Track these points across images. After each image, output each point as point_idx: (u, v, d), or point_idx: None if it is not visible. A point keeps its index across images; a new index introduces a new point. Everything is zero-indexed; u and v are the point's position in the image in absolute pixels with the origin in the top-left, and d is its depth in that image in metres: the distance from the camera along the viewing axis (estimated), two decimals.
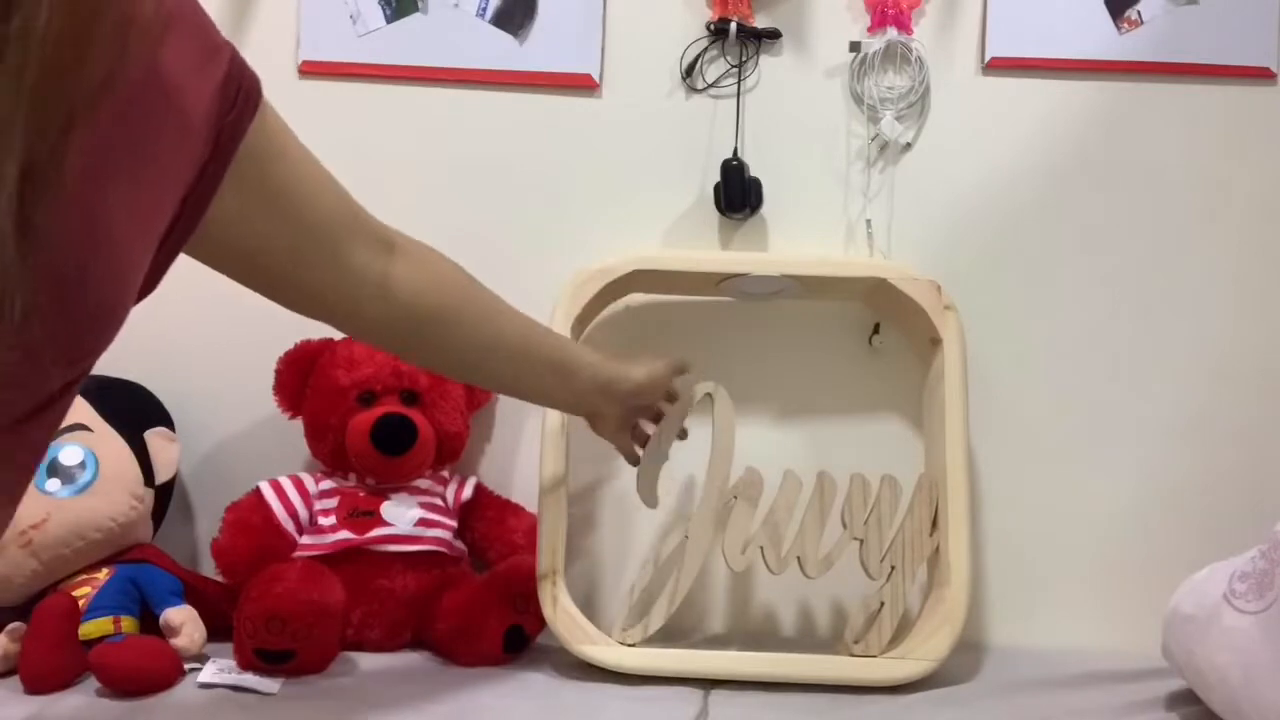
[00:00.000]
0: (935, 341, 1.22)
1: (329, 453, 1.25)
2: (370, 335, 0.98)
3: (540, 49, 1.32)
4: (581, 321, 1.24)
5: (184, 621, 1.10)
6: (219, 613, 1.15)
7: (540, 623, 1.16)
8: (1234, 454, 1.30)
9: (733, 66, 1.31)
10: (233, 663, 1.09)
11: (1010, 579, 1.31)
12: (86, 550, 1.13)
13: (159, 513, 1.24)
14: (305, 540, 1.21)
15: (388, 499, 1.23)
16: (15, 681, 1.04)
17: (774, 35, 1.31)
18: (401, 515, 1.22)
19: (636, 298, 1.31)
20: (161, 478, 1.23)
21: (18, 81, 0.48)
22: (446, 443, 1.26)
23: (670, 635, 1.16)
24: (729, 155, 1.29)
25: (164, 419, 1.27)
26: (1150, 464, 1.31)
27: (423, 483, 1.25)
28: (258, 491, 1.23)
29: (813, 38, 1.32)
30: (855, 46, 1.30)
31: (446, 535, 1.23)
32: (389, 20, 1.33)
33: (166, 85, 0.65)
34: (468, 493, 1.28)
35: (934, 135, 1.31)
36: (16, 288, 0.53)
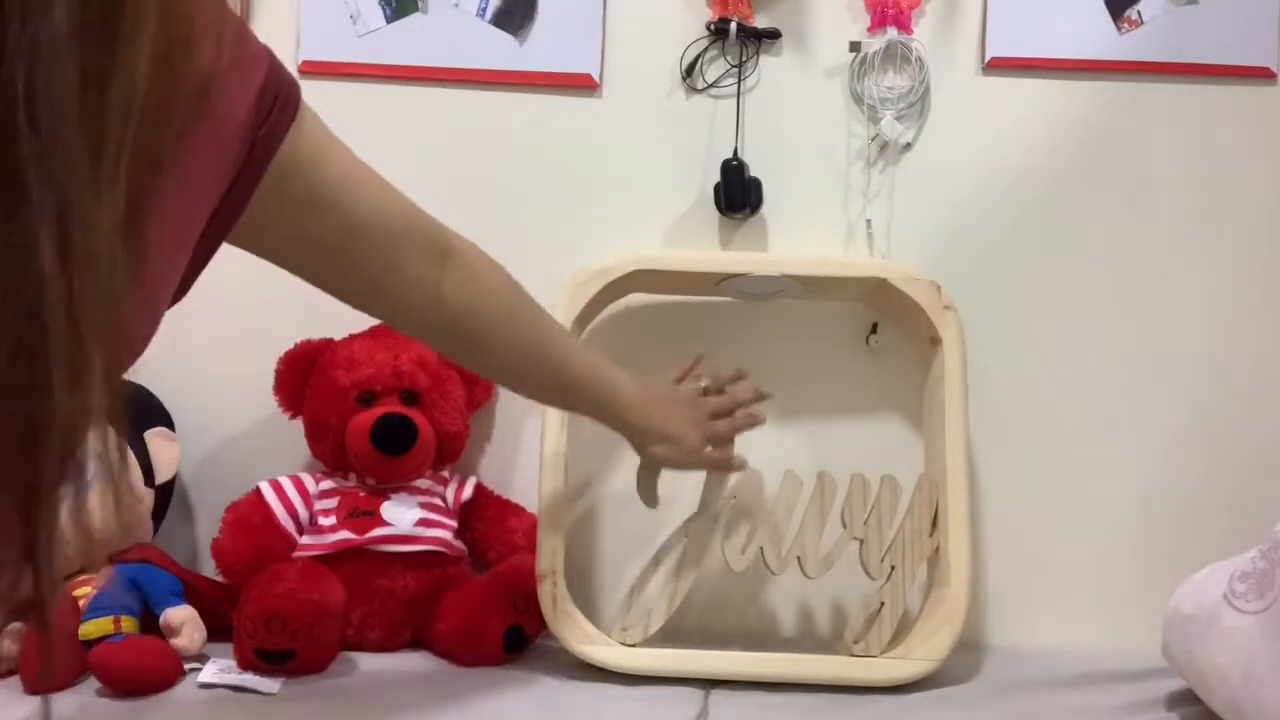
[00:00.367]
0: (935, 341, 1.22)
1: (329, 453, 1.25)
2: (417, 334, 1.00)
3: (540, 49, 1.32)
4: (581, 321, 1.24)
5: (184, 621, 1.10)
6: (219, 613, 1.15)
7: (540, 623, 1.16)
8: (1234, 454, 1.30)
9: (733, 66, 1.31)
10: (233, 663, 1.09)
11: (1010, 579, 1.31)
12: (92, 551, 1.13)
13: (159, 513, 1.24)
14: (305, 540, 1.21)
15: (388, 499, 1.23)
16: (15, 681, 1.04)
17: (774, 35, 1.31)
18: (401, 515, 1.21)
19: (636, 298, 1.31)
20: (161, 478, 1.23)
21: (119, 147, 0.48)
22: (446, 443, 1.26)
23: (670, 635, 1.16)
24: (729, 155, 1.29)
25: (164, 419, 1.27)
26: (1150, 464, 1.31)
27: (423, 483, 1.25)
28: (258, 491, 1.23)
29: (813, 38, 1.32)
30: (855, 46, 1.30)
31: (446, 535, 1.23)
32: (389, 20, 1.33)
33: (209, 98, 0.64)
34: (468, 493, 1.28)
35: (934, 135, 1.31)
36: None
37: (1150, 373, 1.31)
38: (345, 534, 1.20)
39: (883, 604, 1.14)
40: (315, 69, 1.33)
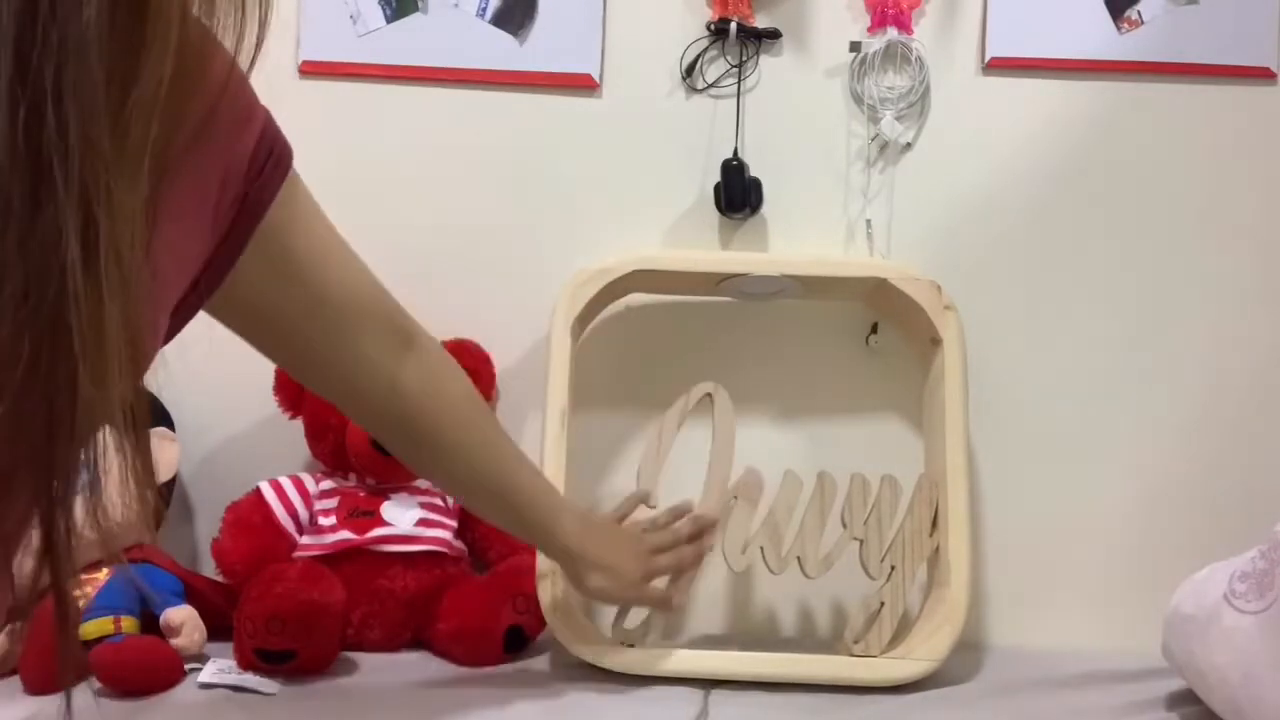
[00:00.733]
0: (935, 341, 1.22)
1: (329, 453, 1.25)
2: (368, 424, 0.97)
3: (540, 49, 1.32)
4: (582, 321, 1.24)
5: (184, 621, 1.10)
6: (219, 613, 1.15)
7: (540, 623, 1.16)
8: (1234, 454, 1.30)
9: (733, 66, 1.31)
10: (233, 663, 1.09)
11: (1010, 579, 1.31)
12: (86, 550, 1.13)
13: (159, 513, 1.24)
14: (305, 540, 1.21)
15: (388, 499, 1.23)
16: (15, 681, 1.04)
17: (774, 35, 1.31)
18: (402, 515, 1.22)
19: (636, 298, 1.31)
20: (161, 478, 1.23)
21: (141, 147, 0.49)
22: None
23: (670, 635, 1.16)
24: (729, 155, 1.29)
25: (164, 419, 1.26)
26: (1150, 464, 1.31)
27: (423, 483, 1.25)
28: (258, 491, 1.23)
29: (813, 38, 1.32)
30: (855, 46, 1.30)
31: (446, 535, 1.23)
32: (389, 20, 1.33)
33: (212, 134, 0.64)
34: None
35: (934, 135, 1.31)
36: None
37: (1150, 373, 1.31)
38: (345, 534, 1.20)
39: (883, 604, 1.14)
40: (315, 69, 1.33)
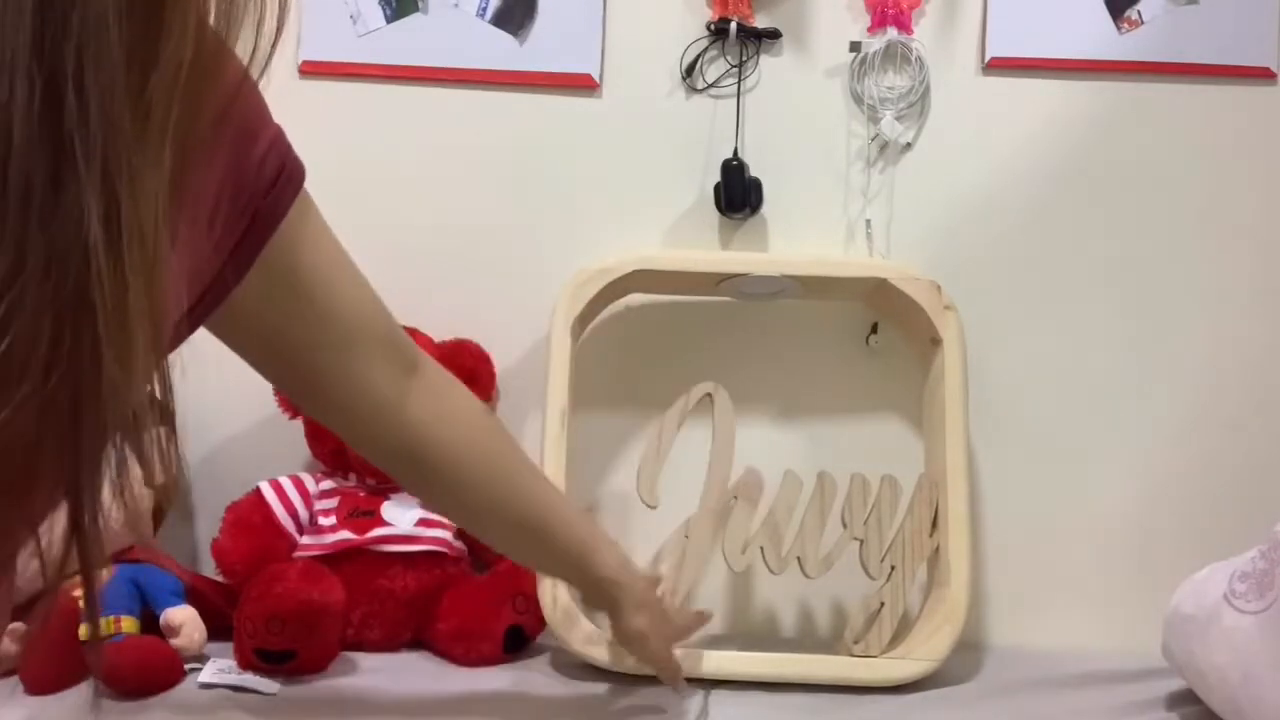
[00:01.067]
0: (935, 341, 1.22)
1: (329, 453, 1.25)
2: (376, 456, 0.91)
3: (540, 49, 1.32)
4: (582, 321, 1.24)
5: (184, 621, 1.10)
6: (219, 613, 1.15)
7: (540, 623, 1.16)
8: (1233, 454, 1.30)
9: (733, 66, 1.31)
10: (233, 663, 1.09)
11: (1010, 579, 1.31)
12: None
13: (159, 513, 1.24)
14: (305, 540, 1.21)
15: (388, 499, 1.23)
16: (15, 681, 1.04)
17: (774, 35, 1.31)
18: (401, 515, 1.22)
19: (636, 298, 1.31)
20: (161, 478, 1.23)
21: (163, 127, 0.49)
22: None
23: None
24: (729, 155, 1.29)
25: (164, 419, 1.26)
26: (1150, 464, 1.31)
27: None
28: (258, 491, 1.23)
29: (813, 38, 1.32)
30: (855, 46, 1.30)
31: (446, 535, 1.23)
32: (389, 20, 1.33)
33: (221, 143, 0.64)
34: None
35: (934, 135, 1.31)
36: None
37: (1150, 372, 1.31)
38: (345, 534, 1.20)
39: (883, 604, 1.14)
40: (315, 69, 1.33)
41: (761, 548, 1.15)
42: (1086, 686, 1.11)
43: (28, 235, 0.44)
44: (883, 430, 1.31)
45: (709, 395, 1.18)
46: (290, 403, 1.26)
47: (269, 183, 0.70)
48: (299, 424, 1.27)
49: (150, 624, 1.11)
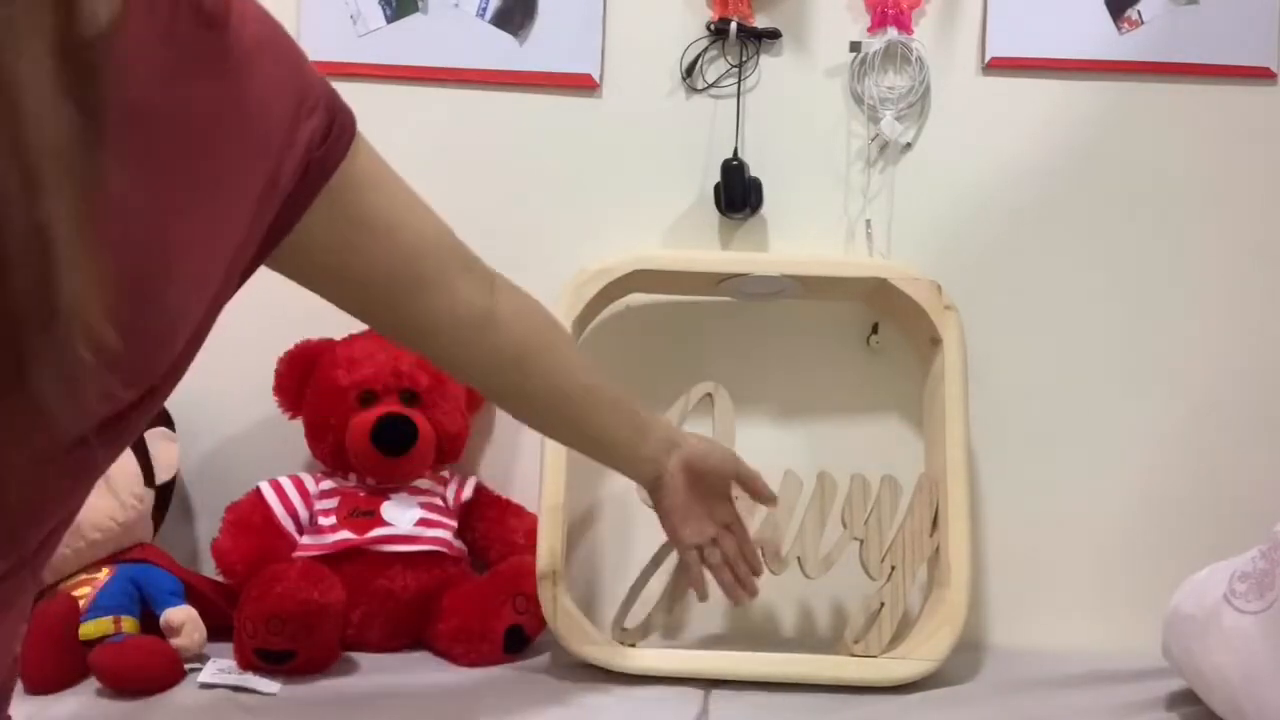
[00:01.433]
0: (935, 341, 1.22)
1: (329, 453, 1.25)
2: (470, 368, 0.95)
3: (540, 49, 1.32)
4: (582, 321, 1.24)
5: (184, 621, 1.10)
6: (219, 613, 1.15)
7: (540, 623, 1.16)
8: (1234, 454, 1.30)
9: (733, 66, 1.31)
10: (233, 663, 1.09)
11: (1010, 579, 1.31)
12: (87, 550, 1.13)
13: (159, 513, 1.24)
14: (305, 540, 1.21)
15: (388, 499, 1.23)
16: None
17: (774, 35, 1.31)
18: (401, 515, 1.22)
19: (636, 298, 1.31)
20: (161, 478, 1.23)
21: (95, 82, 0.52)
22: (447, 443, 1.26)
23: (670, 635, 1.16)
24: (729, 155, 1.29)
25: (164, 419, 1.26)
26: (1150, 464, 1.31)
27: (423, 483, 1.25)
28: (258, 491, 1.23)
29: (813, 38, 1.32)
30: (855, 46, 1.30)
31: (446, 535, 1.23)
32: (389, 20, 1.33)
33: (247, 110, 0.66)
34: (468, 493, 1.28)
35: (934, 135, 1.31)
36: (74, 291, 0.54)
37: (1150, 372, 1.31)
38: (345, 534, 1.20)
39: (883, 604, 1.14)
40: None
41: (762, 548, 1.15)
42: (1086, 686, 1.11)
43: None
44: (883, 430, 1.31)
45: (709, 395, 1.18)
46: (290, 402, 1.27)
47: (322, 137, 0.73)
48: (299, 424, 1.27)
49: (150, 624, 1.11)
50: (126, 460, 1.18)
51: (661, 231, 1.32)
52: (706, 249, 1.32)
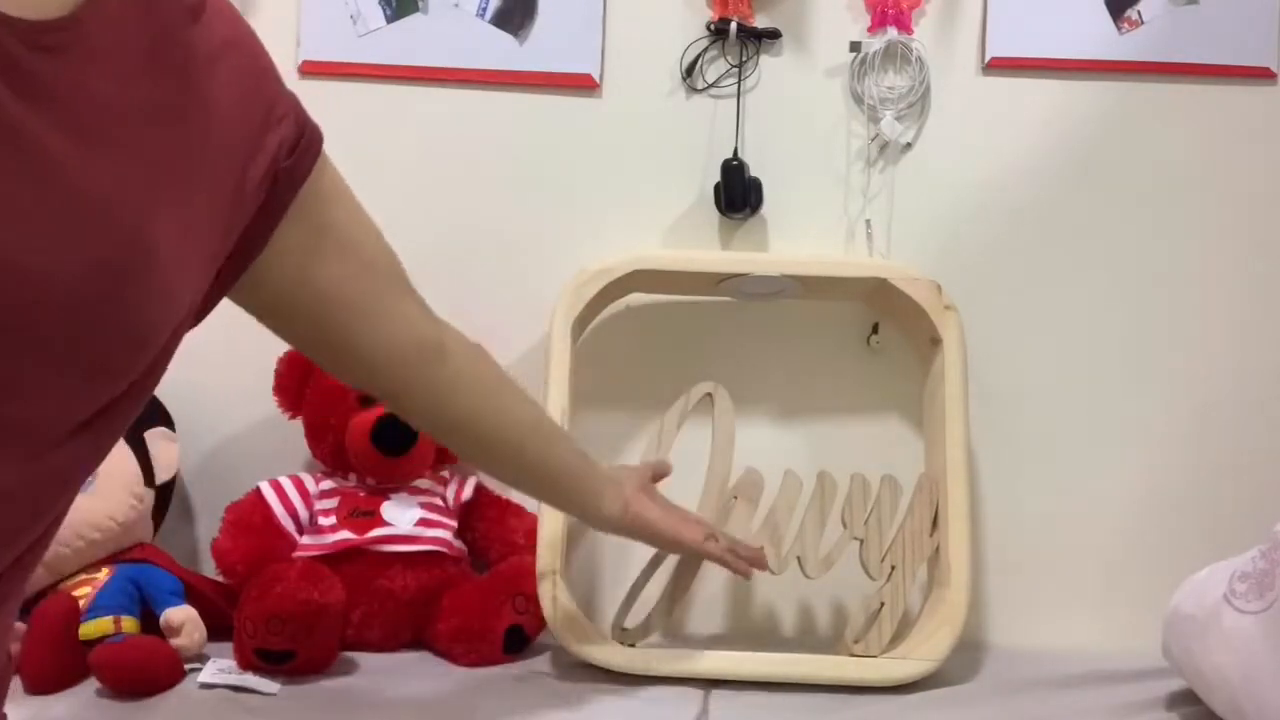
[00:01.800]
0: (935, 341, 1.22)
1: (329, 453, 1.25)
2: (423, 401, 0.92)
3: (540, 49, 1.32)
4: (581, 321, 1.24)
5: (184, 621, 1.10)
6: (219, 613, 1.15)
7: (540, 623, 1.16)
8: (1234, 454, 1.30)
9: (733, 66, 1.31)
10: (233, 663, 1.09)
11: (1010, 579, 1.31)
12: (87, 550, 1.13)
13: (159, 513, 1.24)
14: (305, 540, 1.21)
15: (388, 499, 1.23)
16: (15, 681, 1.04)
17: (774, 35, 1.31)
18: (401, 515, 1.22)
19: (636, 298, 1.31)
20: (161, 478, 1.23)
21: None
22: None
23: (670, 635, 1.16)
24: (729, 155, 1.29)
25: (164, 419, 1.26)
26: (1150, 464, 1.31)
27: (423, 483, 1.25)
28: (258, 491, 1.23)
29: (813, 38, 1.32)
30: (855, 46, 1.30)
31: (446, 535, 1.23)
32: (389, 20, 1.33)
33: (216, 114, 0.66)
34: (468, 493, 1.28)
35: (934, 135, 1.31)
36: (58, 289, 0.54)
37: (1150, 372, 1.31)
38: (345, 534, 1.20)
39: (883, 604, 1.14)
40: (315, 69, 1.32)
41: (762, 548, 1.15)
42: (1086, 686, 1.11)
43: None
44: (883, 430, 1.31)
45: (709, 395, 1.18)
46: (290, 402, 1.26)
47: (290, 149, 0.72)
48: (299, 424, 1.27)
49: (150, 624, 1.11)
50: (126, 460, 1.18)
51: (661, 231, 1.32)
52: (706, 249, 1.32)
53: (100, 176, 0.58)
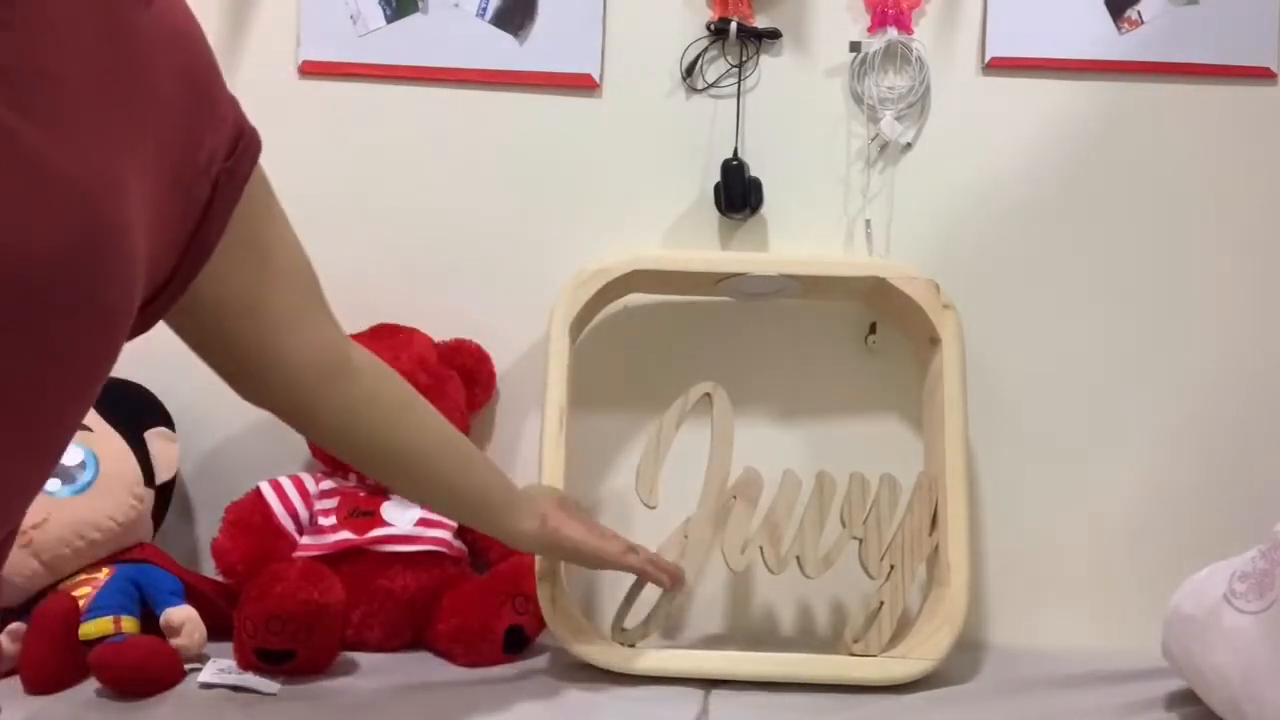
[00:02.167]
0: (934, 341, 1.22)
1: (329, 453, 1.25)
2: (332, 419, 0.91)
3: (540, 49, 1.32)
4: (581, 321, 1.24)
5: (184, 621, 1.10)
6: (219, 613, 1.15)
7: (540, 623, 1.16)
8: (1234, 454, 1.30)
9: (733, 66, 1.31)
10: (233, 663, 1.09)
11: (1010, 579, 1.31)
12: (87, 550, 1.13)
13: (159, 513, 1.24)
14: (305, 540, 1.21)
15: (388, 499, 1.23)
16: (15, 681, 1.04)
17: (774, 35, 1.31)
18: (401, 515, 1.22)
19: (636, 298, 1.31)
20: (161, 478, 1.23)
21: None
22: None
23: (670, 635, 1.16)
24: (729, 155, 1.29)
25: (164, 419, 1.26)
26: (1150, 464, 1.31)
27: None
28: (258, 491, 1.23)
29: (813, 38, 1.32)
30: (855, 46, 1.30)
31: (446, 535, 1.23)
32: (389, 20, 1.33)
33: (158, 100, 0.65)
34: None
35: (934, 135, 1.31)
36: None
37: (1150, 372, 1.31)
38: (345, 534, 1.20)
39: (882, 603, 1.14)
40: (315, 69, 1.32)
41: (761, 547, 1.15)
42: (1086, 686, 1.11)
43: None
44: (882, 430, 1.31)
45: (708, 395, 1.18)
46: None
47: (228, 150, 0.72)
48: None
49: (150, 624, 1.11)
50: (127, 460, 1.18)
51: (661, 231, 1.33)
52: (706, 249, 1.32)
53: (58, 152, 0.57)
